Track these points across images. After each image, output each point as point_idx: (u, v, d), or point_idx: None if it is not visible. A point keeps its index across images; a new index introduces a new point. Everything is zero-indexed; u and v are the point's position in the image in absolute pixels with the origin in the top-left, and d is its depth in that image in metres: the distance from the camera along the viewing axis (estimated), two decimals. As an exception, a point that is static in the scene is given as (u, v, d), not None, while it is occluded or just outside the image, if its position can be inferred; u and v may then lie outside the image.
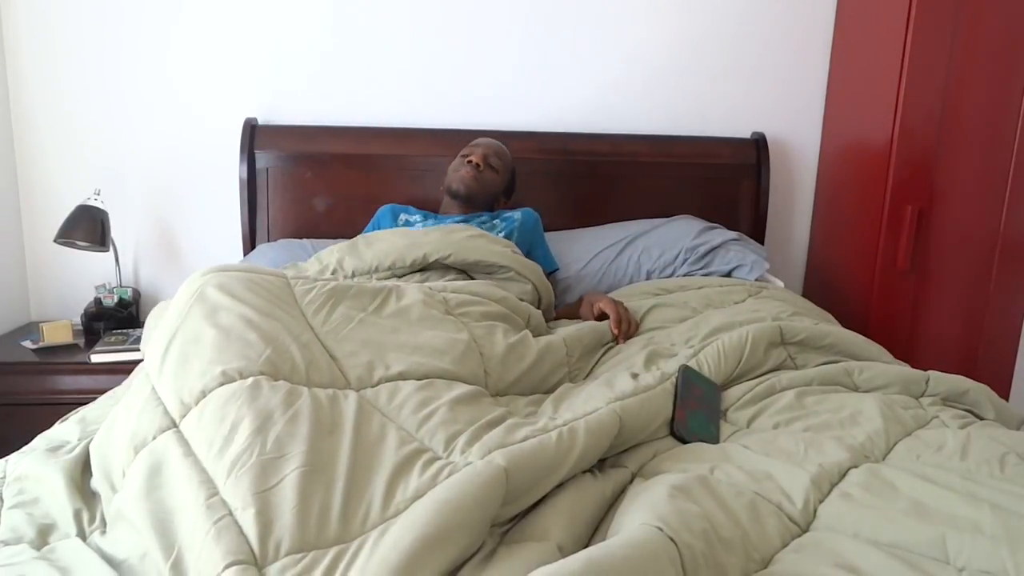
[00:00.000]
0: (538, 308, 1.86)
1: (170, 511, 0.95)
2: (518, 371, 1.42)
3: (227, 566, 0.81)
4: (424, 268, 1.80)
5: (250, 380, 1.09)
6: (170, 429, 1.07)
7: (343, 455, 0.99)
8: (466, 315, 1.49)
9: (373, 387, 1.19)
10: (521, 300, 1.74)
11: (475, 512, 0.88)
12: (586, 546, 0.93)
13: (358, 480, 0.96)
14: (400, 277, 1.77)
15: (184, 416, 1.08)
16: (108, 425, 1.18)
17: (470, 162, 2.07)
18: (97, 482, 1.12)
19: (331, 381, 1.17)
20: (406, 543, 0.82)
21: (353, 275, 1.74)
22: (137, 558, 0.94)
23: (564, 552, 0.89)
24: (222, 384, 1.09)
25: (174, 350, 1.19)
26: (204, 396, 1.08)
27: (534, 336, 1.56)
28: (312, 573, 0.81)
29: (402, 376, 1.22)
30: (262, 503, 0.89)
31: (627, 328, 1.70)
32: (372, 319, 1.37)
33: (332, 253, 1.81)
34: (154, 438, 1.06)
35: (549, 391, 1.45)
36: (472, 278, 1.82)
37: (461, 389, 1.22)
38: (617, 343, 1.67)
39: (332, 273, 1.75)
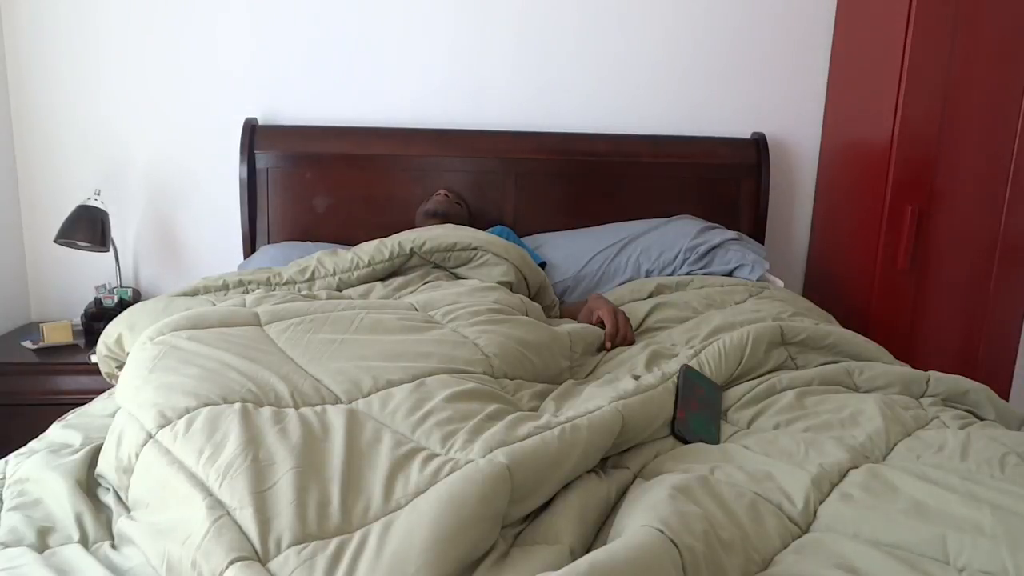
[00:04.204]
0: (528, 295, 1.87)
1: (160, 520, 0.95)
2: (522, 345, 1.43)
3: (231, 563, 0.81)
4: (403, 268, 1.83)
5: (237, 405, 1.09)
6: (148, 441, 1.06)
7: (336, 456, 0.99)
8: (455, 319, 1.49)
9: (365, 398, 1.18)
10: (502, 283, 1.76)
11: (480, 509, 0.88)
12: (590, 548, 0.93)
13: (354, 476, 0.96)
14: (382, 279, 1.78)
15: (162, 427, 1.07)
16: (104, 448, 1.18)
17: (440, 193, 2.30)
18: (107, 498, 1.12)
19: (319, 400, 1.17)
20: (419, 540, 0.82)
21: (334, 272, 1.76)
22: (142, 567, 0.94)
23: (575, 555, 0.89)
24: (207, 406, 1.09)
25: (153, 380, 1.18)
26: (188, 413, 1.08)
27: None
28: (315, 560, 0.81)
29: (391, 383, 1.21)
30: (259, 502, 0.90)
31: (620, 343, 1.71)
32: (352, 337, 1.36)
33: (312, 257, 1.83)
34: (137, 456, 1.06)
35: (552, 380, 1.46)
36: (454, 275, 1.84)
37: (456, 385, 1.21)
38: (607, 350, 1.68)
39: (312, 273, 1.76)
